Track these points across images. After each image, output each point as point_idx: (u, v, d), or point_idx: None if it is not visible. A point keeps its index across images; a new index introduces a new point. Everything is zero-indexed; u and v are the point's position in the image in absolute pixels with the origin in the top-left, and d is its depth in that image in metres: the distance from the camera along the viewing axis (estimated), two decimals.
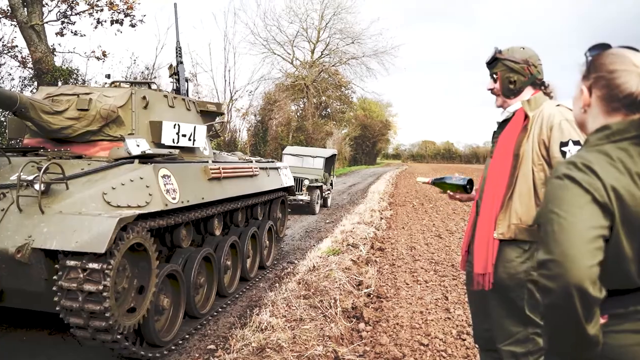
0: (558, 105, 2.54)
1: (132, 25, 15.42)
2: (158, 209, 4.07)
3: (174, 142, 5.32)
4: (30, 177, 3.83)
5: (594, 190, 1.35)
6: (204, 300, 5.34)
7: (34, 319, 4.99)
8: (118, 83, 5.78)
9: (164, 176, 4.31)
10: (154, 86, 5.84)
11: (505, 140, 2.61)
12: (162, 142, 5.19)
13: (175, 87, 6.77)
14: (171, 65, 6.94)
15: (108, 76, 6.04)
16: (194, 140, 5.58)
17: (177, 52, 7.01)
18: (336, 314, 4.92)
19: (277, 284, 6.53)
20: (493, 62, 2.67)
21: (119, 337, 3.68)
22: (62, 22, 14.31)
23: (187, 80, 6.88)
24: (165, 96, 5.65)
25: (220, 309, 5.58)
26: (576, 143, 2.36)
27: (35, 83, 12.25)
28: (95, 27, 14.92)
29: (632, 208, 1.37)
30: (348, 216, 12.75)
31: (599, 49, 1.55)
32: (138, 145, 4.62)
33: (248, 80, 32.83)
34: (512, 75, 2.62)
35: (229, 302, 5.85)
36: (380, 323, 5.09)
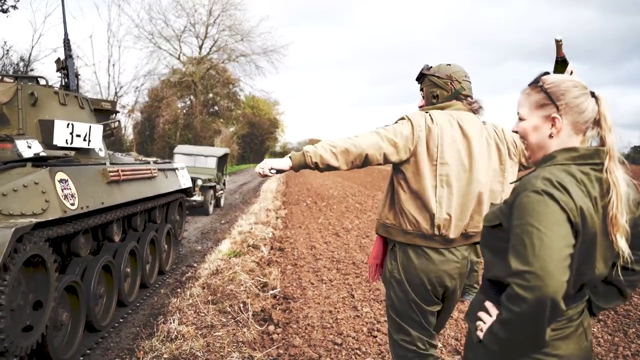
0: (483, 122, 2.71)
1: (4, 11, 14.17)
2: (56, 217, 3.74)
3: (67, 142, 4.94)
4: None
5: (569, 210, 1.45)
6: (104, 312, 5.01)
7: None
8: (0, 77, 5.25)
9: (61, 180, 3.98)
10: (42, 81, 5.38)
11: None
12: (55, 143, 4.80)
13: (64, 83, 6.28)
14: (59, 59, 6.42)
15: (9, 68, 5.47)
16: (90, 140, 5.22)
17: (65, 45, 6.50)
18: (248, 318, 4.83)
19: (179, 290, 6.28)
20: (420, 78, 2.79)
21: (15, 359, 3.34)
22: None
23: (76, 76, 6.41)
24: (56, 92, 5.23)
25: (121, 319, 5.27)
26: None
27: None
28: None
29: (590, 229, 1.50)
30: (243, 216, 12.62)
31: (539, 80, 1.68)
32: (30, 147, 4.23)
33: (134, 75, 31.41)
34: (435, 89, 2.74)
35: (129, 311, 5.54)
36: (291, 325, 5.07)
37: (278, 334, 4.81)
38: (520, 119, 1.71)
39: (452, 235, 2.56)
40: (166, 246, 7.22)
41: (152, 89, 28.57)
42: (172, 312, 5.24)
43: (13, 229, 3.15)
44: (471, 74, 2.76)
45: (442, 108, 2.70)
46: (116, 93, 22.49)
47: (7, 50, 13.84)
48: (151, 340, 4.41)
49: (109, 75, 22.93)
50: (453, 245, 2.60)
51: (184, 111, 36.95)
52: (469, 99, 2.73)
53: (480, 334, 1.59)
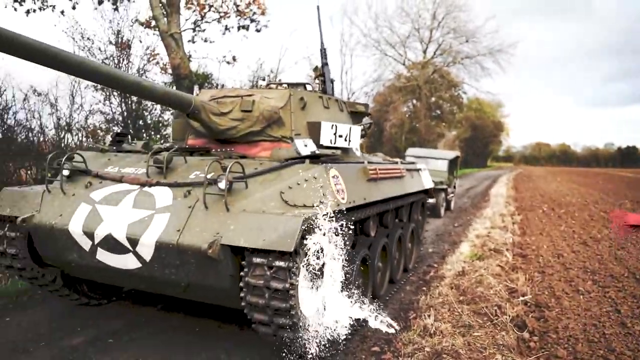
0: None
1: (258, 31, 15.94)
2: (332, 210, 4.05)
3: (331, 142, 5.34)
4: (213, 176, 3.95)
5: None
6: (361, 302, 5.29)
7: (203, 310, 5.18)
8: (275, 85, 5.89)
9: (334, 176, 4.31)
10: (309, 87, 5.90)
11: None
12: (321, 142, 5.22)
13: (321, 89, 6.82)
14: (317, 67, 7.00)
15: (263, 79, 6.19)
16: (350, 140, 5.57)
17: (322, 54, 7.05)
18: (506, 322, 4.68)
19: (424, 288, 6.36)
20: None
21: (301, 334, 3.69)
22: (194, 30, 15.10)
23: (332, 82, 6.91)
24: (321, 97, 5.69)
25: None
26: None
27: (174, 87, 12.97)
28: (224, 34, 15.59)
29: None
30: (477, 220, 12.35)
31: None
32: (306, 146, 4.66)
33: (363, 82, 32.91)
34: None
35: (381, 304, 5.76)
36: (549, 334, 4.78)
37: (535, 342, 4.58)
38: None
39: None
40: (410, 245, 7.37)
41: (379, 94, 29.61)
42: (423, 308, 5.32)
43: (302, 217, 3.50)
44: None
45: None
46: (349, 98, 23.78)
47: (261, 64, 15.62)
48: (408, 334, 4.52)
49: (342, 82, 24.28)
50: None
51: (408, 115, 37.50)
52: None
53: None
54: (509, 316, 4.85)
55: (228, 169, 3.82)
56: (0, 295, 5.63)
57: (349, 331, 4.85)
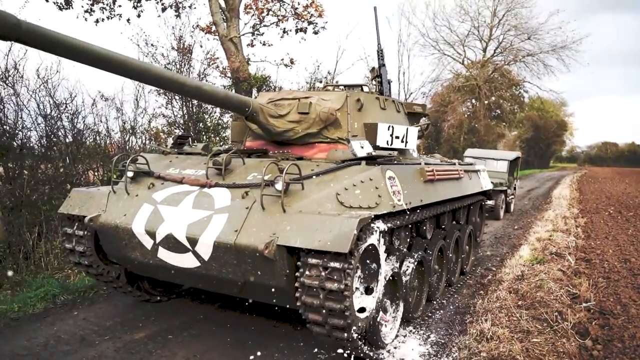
0: None
1: (315, 33, 16.04)
2: (387, 211, 4.06)
3: (387, 143, 5.33)
4: (270, 177, 4.03)
5: None
6: (416, 304, 5.27)
7: (258, 309, 5.29)
8: (332, 86, 5.93)
9: (390, 178, 4.30)
10: (365, 88, 5.91)
11: None
12: (377, 144, 5.22)
13: (378, 90, 6.81)
14: (374, 68, 7.00)
15: (320, 81, 6.25)
16: (407, 142, 5.55)
17: (379, 55, 7.06)
18: (567, 328, 4.54)
19: (481, 292, 6.25)
20: None
21: (354, 335, 3.72)
22: (253, 34, 15.35)
23: (389, 82, 6.90)
24: (377, 98, 5.69)
25: (429, 314, 5.46)
26: None
27: (233, 90, 13.24)
28: (282, 37, 15.77)
29: None
30: (538, 222, 12.00)
31: None
32: (362, 147, 4.68)
33: (421, 82, 32.49)
34: None
35: (437, 307, 5.72)
36: (614, 343, 4.61)
37: (598, 350, 4.43)
38: None
39: None
40: (467, 247, 7.26)
41: (436, 94, 29.15)
42: (480, 312, 5.23)
43: (358, 219, 3.52)
44: None
45: None
46: (406, 99, 23.56)
47: (318, 66, 15.72)
48: (465, 338, 4.46)
49: (399, 82, 24.03)
50: None
51: (467, 115, 36.77)
52: None
53: None
54: (570, 323, 4.70)
55: (285, 171, 3.88)
56: (69, 291, 5.93)
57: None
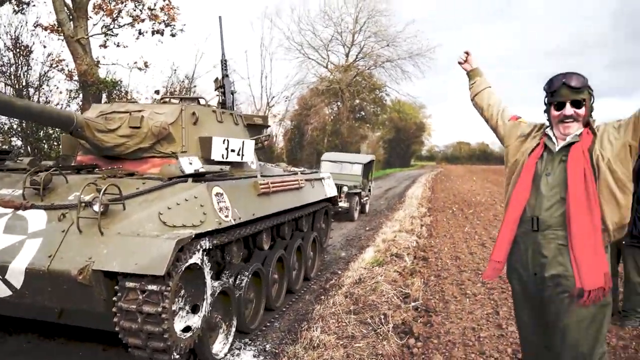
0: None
1: (173, 35, 15.69)
2: (212, 228, 4.09)
3: (223, 157, 5.36)
4: (89, 198, 3.89)
5: None
6: (253, 315, 5.36)
7: (87, 334, 5.06)
8: (168, 99, 5.85)
9: (217, 194, 4.34)
10: (202, 101, 5.90)
11: (579, 157, 2.63)
12: (212, 157, 5.23)
13: (221, 100, 6.83)
14: (217, 79, 6.99)
15: (157, 92, 6.14)
16: (243, 155, 5.61)
17: (222, 66, 7.07)
18: (388, 331, 4.87)
19: (322, 297, 6.50)
20: (581, 88, 2.67)
21: (176, 357, 3.71)
22: (105, 35, 14.66)
23: (232, 93, 6.93)
24: (214, 111, 5.71)
25: (268, 324, 5.58)
26: None
27: (81, 95, 12.55)
28: (137, 38, 15.24)
29: None
30: (388, 223, 12.69)
31: None
32: (191, 163, 4.66)
33: (284, 85, 32.93)
34: (592, 104, 2.75)
35: (276, 316, 5.85)
36: (431, 339, 5.01)
37: (418, 348, 4.79)
38: None
39: None
40: (312, 253, 7.50)
41: (300, 97, 29.76)
42: (315, 319, 5.44)
43: (175, 240, 3.51)
44: None
45: None
46: (268, 103, 23.79)
47: (175, 70, 15.35)
48: (295, 347, 4.62)
49: (262, 86, 24.21)
50: None
51: (331, 118, 37.93)
52: None
53: None
54: (392, 324, 5.04)
55: (102, 191, 3.76)
56: None
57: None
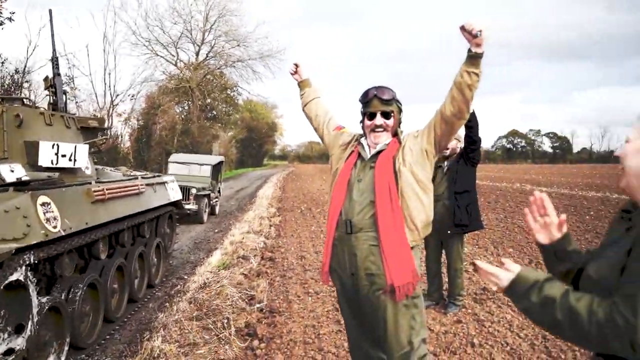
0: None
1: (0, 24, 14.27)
2: (37, 241, 3.82)
3: (52, 163, 5.03)
4: None
5: None
6: (90, 329, 5.09)
7: None
8: None
9: (43, 204, 4.06)
10: (27, 102, 5.46)
11: (385, 164, 2.91)
12: (40, 164, 4.88)
13: (52, 101, 6.36)
14: (47, 77, 6.50)
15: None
16: (75, 160, 5.30)
17: (53, 63, 6.58)
18: (230, 335, 4.90)
19: (167, 304, 6.35)
20: (390, 101, 2.92)
21: None
22: None
23: (65, 93, 6.49)
24: (42, 113, 5.32)
25: (107, 336, 5.34)
26: None
27: None
28: None
29: None
30: (237, 224, 12.69)
31: None
32: (12, 171, 4.31)
33: (130, 83, 31.44)
34: (400, 116, 3.03)
35: (117, 327, 5.62)
36: (274, 340, 5.13)
37: (262, 349, 4.87)
38: None
39: None
40: (155, 260, 7.30)
41: (148, 95, 28.65)
42: (157, 328, 5.31)
43: None
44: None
45: None
46: (112, 101, 22.56)
47: (2, 62, 13.95)
48: (134, 359, 4.48)
49: (105, 83, 22.90)
50: None
51: (182, 117, 37.02)
52: None
53: None
54: (234, 328, 5.09)
55: None
56: None
57: None
